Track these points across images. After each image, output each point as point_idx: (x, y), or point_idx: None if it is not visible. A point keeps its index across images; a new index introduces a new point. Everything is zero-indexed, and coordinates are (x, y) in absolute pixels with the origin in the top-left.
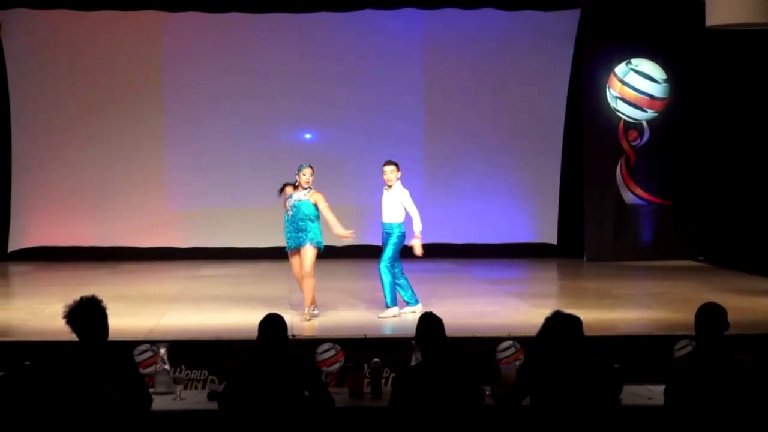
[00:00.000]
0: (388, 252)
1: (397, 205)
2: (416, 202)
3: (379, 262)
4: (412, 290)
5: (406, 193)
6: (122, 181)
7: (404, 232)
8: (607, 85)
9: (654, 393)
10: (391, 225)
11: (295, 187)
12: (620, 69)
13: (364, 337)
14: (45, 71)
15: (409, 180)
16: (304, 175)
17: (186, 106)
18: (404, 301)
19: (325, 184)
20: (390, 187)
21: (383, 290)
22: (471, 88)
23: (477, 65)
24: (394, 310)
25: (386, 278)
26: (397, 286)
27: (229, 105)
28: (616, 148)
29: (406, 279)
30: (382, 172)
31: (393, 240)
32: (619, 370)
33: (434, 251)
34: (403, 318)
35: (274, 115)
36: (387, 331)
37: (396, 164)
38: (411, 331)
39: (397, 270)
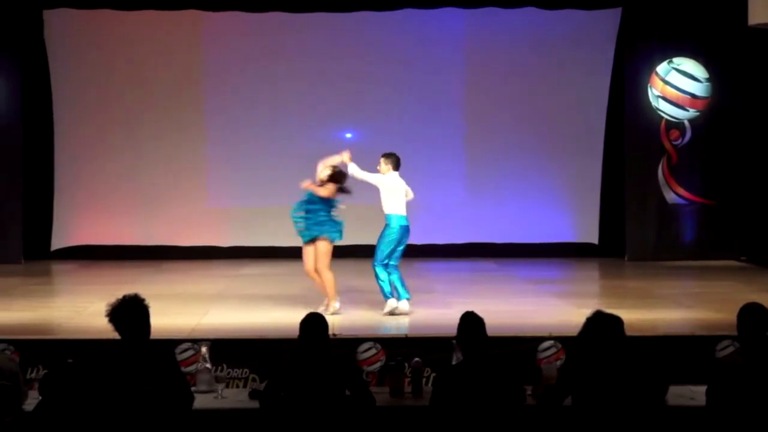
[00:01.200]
0: (378, 247)
1: (384, 194)
2: (457, 203)
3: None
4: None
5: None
6: (165, 180)
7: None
8: (649, 84)
9: (696, 393)
10: (386, 217)
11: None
12: (662, 68)
13: (405, 336)
14: (87, 71)
15: (449, 180)
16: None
17: (228, 105)
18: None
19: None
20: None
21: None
22: (511, 88)
23: (517, 64)
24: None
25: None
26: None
27: (271, 104)
28: (657, 148)
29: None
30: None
31: (382, 234)
32: (663, 370)
33: (475, 251)
34: (445, 317)
35: (315, 114)
36: (428, 331)
37: (384, 156)
38: (452, 331)
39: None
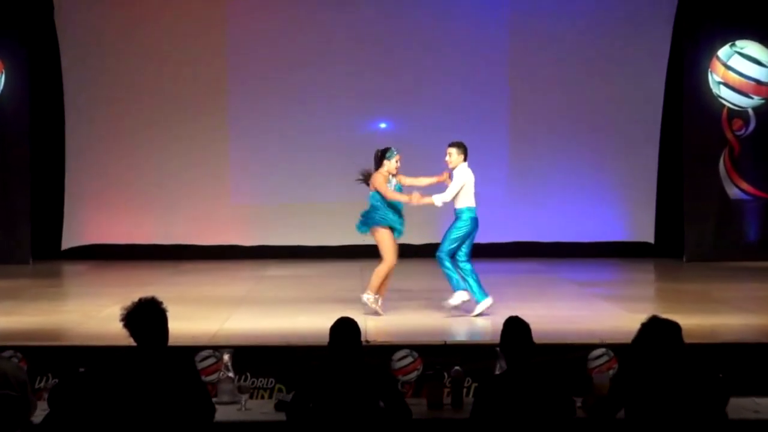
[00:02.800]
0: (446, 238)
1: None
2: (498, 198)
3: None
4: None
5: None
6: (184, 174)
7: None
8: (709, 70)
9: (761, 406)
10: (457, 210)
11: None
12: (723, 52)
13: (444, 343)
14: (101, 58)
15: (491, 173)
16: (398, 161)
17: (253, 95)
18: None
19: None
20: (453, 169)
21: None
22: (559, 74)
23: (566, 49)
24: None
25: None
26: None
27: (298, 93)
28: (719, 139)
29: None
30: (446, 153)
31: (452, 226)
32: (724, 380)
33: (519, 250)
34: (487, 322)
35: (345, 104)
36: (469, 337)
37: (455, 146)
38: (495, 337)
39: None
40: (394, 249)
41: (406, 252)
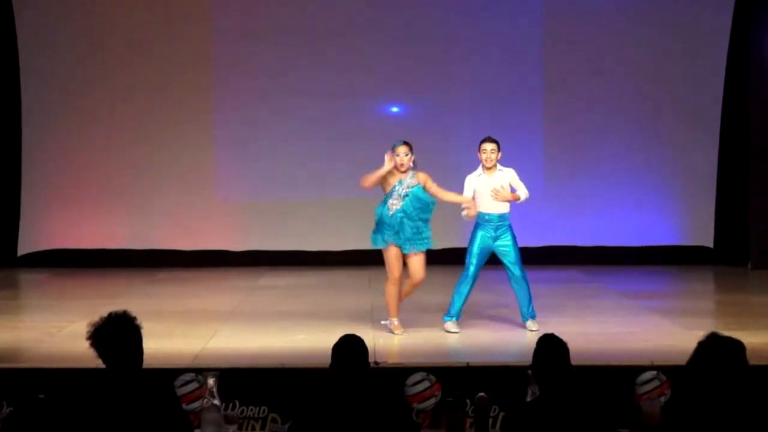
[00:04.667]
0: (517, 251)
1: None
2: (532, 195)
3: (518, 268)
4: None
5: (512, 171)
6: (162, 168)
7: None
8: None
9: None
10: (505, 216)
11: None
12: None
13: (466, 365)
14: (65, 43)
15: (523, 167)
16: (398, 155)
17: (241, 76)
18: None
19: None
20: (490, 169)
21: (526, 301)
22: (602, 61)
23: (609, 34)
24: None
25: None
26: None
27: (294, 75)
28: None
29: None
30: (481, 150)
31: (513, 235)
32: None
33: (556, 256)
34: (518, 340)
35: (350, 88)
36: (496, 358)
37: (495, 142)
38: (527, 358)
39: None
40: (389, 263)
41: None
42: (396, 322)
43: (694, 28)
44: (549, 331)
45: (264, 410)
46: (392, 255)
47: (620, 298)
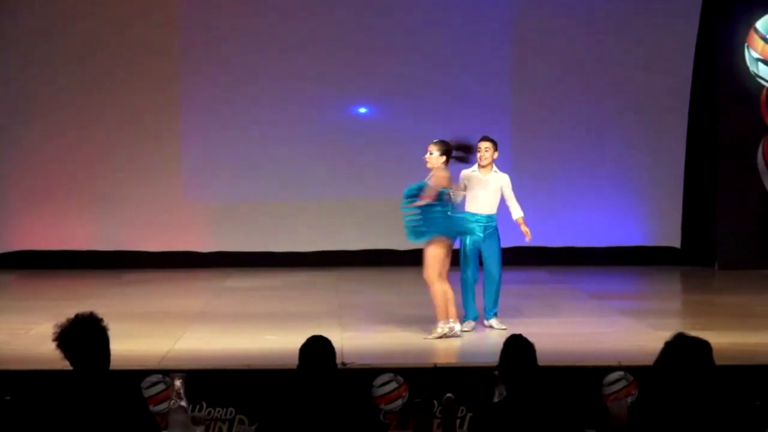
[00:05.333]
0: (500, 253)
1: (497, 192)
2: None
3: (497, 269)
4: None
5: (507, 177)
6: (130, 170)
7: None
8: (746, 45)
9: None
10: (493, 217)
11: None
12: (762, 23)
13: (433, 365)
14: (29, 44)
15: None
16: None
17: (210, 74)
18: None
19: (383, 171)
20: (485, 167)
21: (492, 299)
22: (569, 65)
23: (576, 39)
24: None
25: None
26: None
27: (264, 77)
28: (757, 125)
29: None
30: (477, 148)
31: (498, 237)
32: (760, 408)
33: (523, 257)
34: (484, 341)
35: (318, 91)
36: (463, 359)
37: (493, 141)
38: (494, 359)
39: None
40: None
41: (389, 259)
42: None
43: (662, 32)
44: (516, 331)
45: (231, 412)
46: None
47: (588, 299)
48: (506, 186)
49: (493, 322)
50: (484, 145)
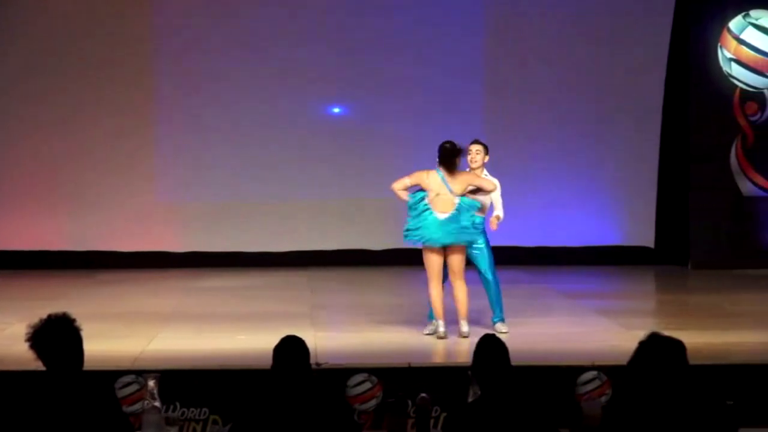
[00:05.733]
0: (490, 256)
1: (487, 196)
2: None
3: (490, 273)
4: None
5: (497, 182)
6: (101, 168)
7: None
8: (719, 44)
9: None
10: (482, 221)
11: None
12: (736, 23)
13: (407, 365)
14: (1, 35)
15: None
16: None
17: (183, 74)
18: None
19: (358, 171)
20: (475, 170)
21: (496, 303)
22: (543, 65)
23: (549, 39)
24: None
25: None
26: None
27: (236, 76)
28: (730, 125)
29: None
30: (467, 151)
31: (487, 241)
32: (733, 408)
33: (497, 257)
34: (458, 342)
35: (292, 90)
36: (437, 359)
37: (483, 144)
38: (467, 359)
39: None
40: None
41: (364, 259)
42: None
43: (635, 33)
44: (491, 331)
45: (205, 412)
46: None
47: (562, 298)
48: (496, 190)
49: (498, 326)
50: (475, 148)
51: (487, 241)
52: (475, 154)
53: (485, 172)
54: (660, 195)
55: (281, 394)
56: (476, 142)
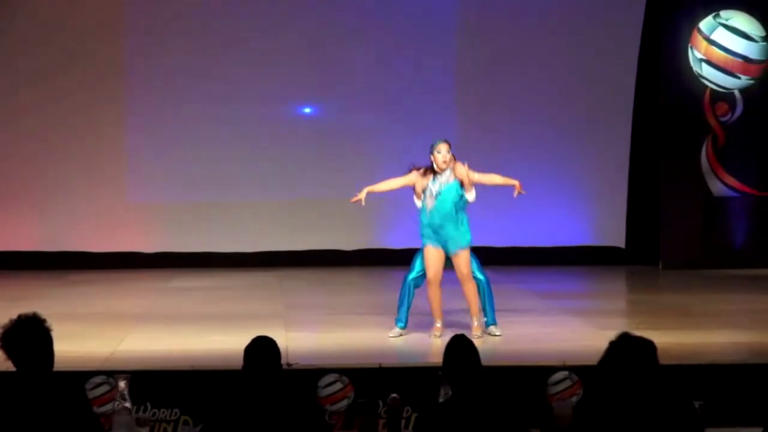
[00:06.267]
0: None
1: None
2: None
3: (480, 273)
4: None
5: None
6: (72, 168)
7: None
8: (690, 45)
9: None
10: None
11: (431, 171)
12: (706, 24)
13: (378, 366)
14: None
15: None
16: (439, 152)
17: (154, 74)
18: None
19: (329, 170)
20: (442, 170)
21: (488, 306)
22: (513, 63)
23: (521, 36)
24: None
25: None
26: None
27: (207, 76)
28: (700, 126)
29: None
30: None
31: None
32: (700, 408)
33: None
34: (429, 342)
35: (262, 90)
36: (408, 359)
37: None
38: (438, 359)
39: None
40: (428, 263)
41: (336, 260)
42: (438, 324)
43: (606, 34)
44: (461, 331)
45: (176, 413)
46: (427, 255)
47: (532, 298)
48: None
49: (491, 329)
50: (445, 147)
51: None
52: (446, 153)
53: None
54: (631, 195)
55: (252, 395)
56: (445, 141)
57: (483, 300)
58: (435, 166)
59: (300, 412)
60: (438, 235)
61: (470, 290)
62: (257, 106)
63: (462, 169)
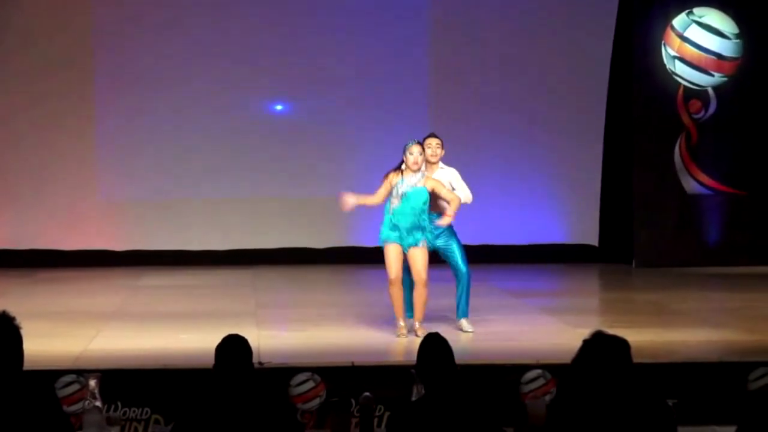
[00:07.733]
0: (462, 248)
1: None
2: None
3: (464, 266)
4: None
5: (455, 172)
6: (42, 167)
7: None
8: (663, 42)
9: None
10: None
11: (401, 171)
12: (679, 21)
13: (351, 364)
14: None
15: None
16: (411, 153)
17: (124, 70)
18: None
19: (299, 169)
20: (433, 165)
21: (465, 300)
22: (487, 62)
23: (495, 35)
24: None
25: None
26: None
27: (178, 73)
28: (673, 123)
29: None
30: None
31: (455, 233)
32: (674, 406)
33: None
34: (402, 340)
35: (234, 86)
36: (380, 358)
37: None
38: (411, 358)
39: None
40: (388, 263)
41: (308, 258)
42: (400, 323)
43: (578, 30)
44: (435, 329)
45: (147, 412)
46: (388, 254)
47: (506, 297)
48: (454, 178)
49: (463, 322)
50: (435, 142)
51: (455, 234)
52: (435, 148)
53: (441, 164)
54: (604, 193)
55: (224, 394)
56: (433, 135)
57: (460, 292)
58: (405, 165)
59: (272, 410)
60: (399, 232)
61: (424, 294)
62: (226, 105)
63: (432, 182)
